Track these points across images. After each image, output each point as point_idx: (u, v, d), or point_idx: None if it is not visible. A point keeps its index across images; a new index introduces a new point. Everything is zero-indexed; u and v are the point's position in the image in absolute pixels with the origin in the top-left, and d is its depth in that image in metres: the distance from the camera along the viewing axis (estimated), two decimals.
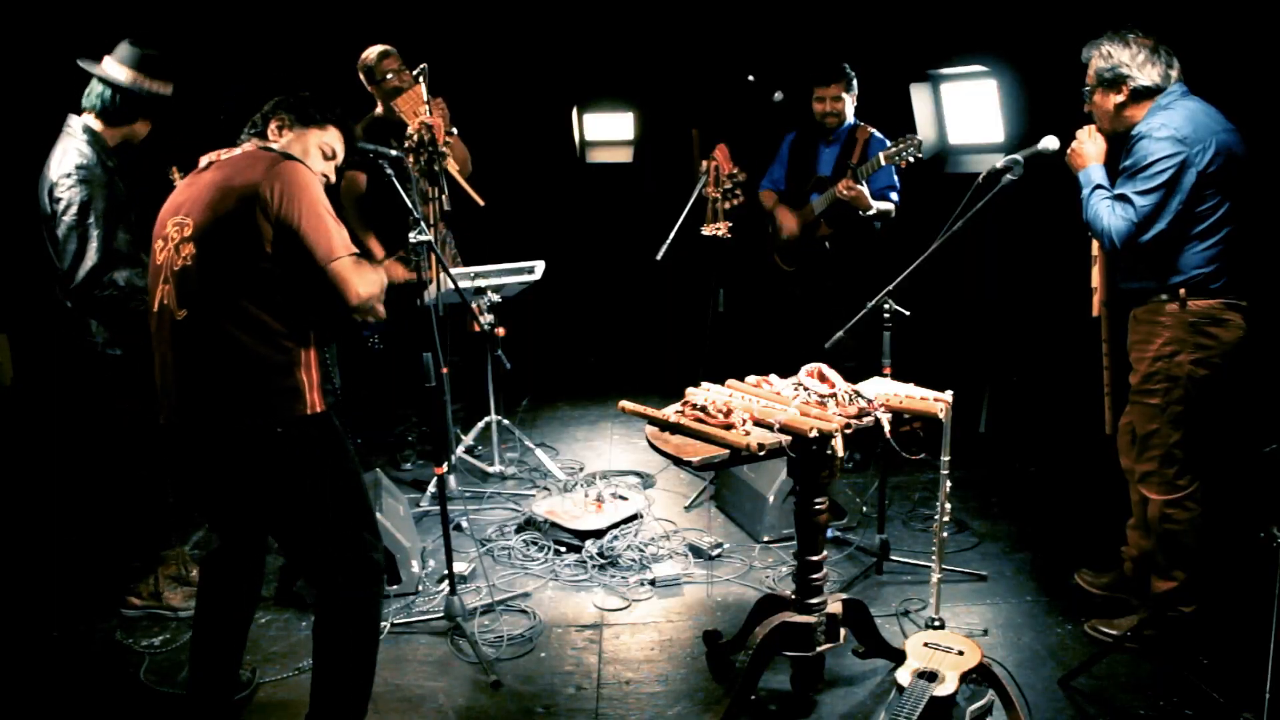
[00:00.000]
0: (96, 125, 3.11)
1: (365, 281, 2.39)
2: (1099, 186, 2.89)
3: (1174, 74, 2.83)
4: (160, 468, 3.26)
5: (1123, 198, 2.79)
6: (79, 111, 3.12)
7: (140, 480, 3.27)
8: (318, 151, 2.55)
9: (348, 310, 2.39)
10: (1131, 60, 2.81)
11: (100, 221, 3.01)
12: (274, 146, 2.48)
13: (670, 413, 2.62)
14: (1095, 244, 3.11)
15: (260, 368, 2.32)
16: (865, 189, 4.24)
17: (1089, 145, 2.96)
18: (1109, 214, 2.81)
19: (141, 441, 3.16)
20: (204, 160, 2.48)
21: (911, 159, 4.07)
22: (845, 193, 4.23)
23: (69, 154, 3.03)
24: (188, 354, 2.35)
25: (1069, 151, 3.01)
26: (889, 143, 4.32)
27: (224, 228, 2.30)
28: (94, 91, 3.11)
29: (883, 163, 4.12)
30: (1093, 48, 2.90)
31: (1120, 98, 2.86)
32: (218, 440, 2.37)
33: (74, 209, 2.98)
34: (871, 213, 4.32)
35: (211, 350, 2.32)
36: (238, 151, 2.46)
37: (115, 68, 3.12)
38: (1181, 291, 2.81)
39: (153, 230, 2.46)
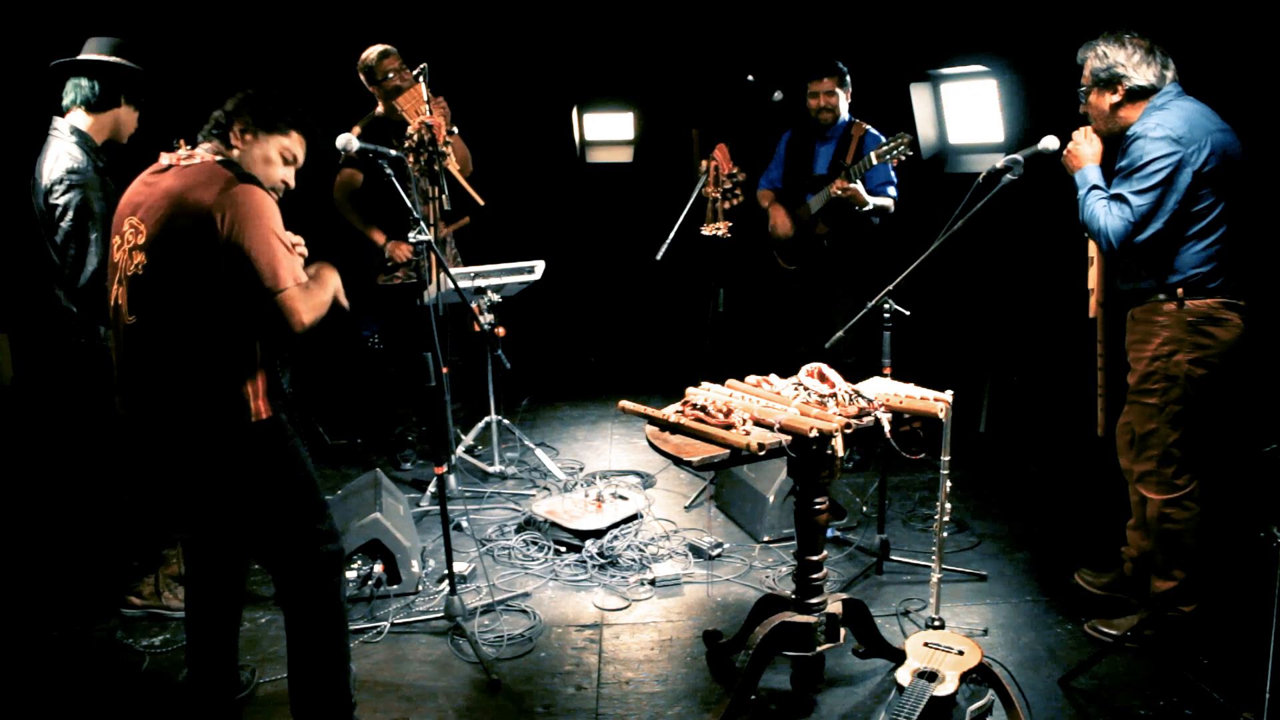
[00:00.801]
0: (83, 122, 3.09)
1: (311, 308, 2.41)
2: (1095, 187, 2.89)
3: (1169, 75, 2.84)
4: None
5: (1119, 198, 2.79)
6: (62, 113, 3.11)
7: (141, 481, 3.26)
8: (278, 157, 2.51)
9: (292, 336, 2.41)
10: (1127, 60, 2.82)
11: (99, 224, 3.00)
12: (233, 157, 2.44)
13: (670, 413, 2.62)
14: (1092, 245, 3.11)
15: (204, 380, 2.34)
16: (860, 186, 4.24)
17: (1085, 146, 2.97)
18: (1105, 214, 2.81)
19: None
20: (165, 159, 2.44)
21: (902, 156, 4.07)
22: (839, 192, 4.25)
23: (61, 158, 3.01)
24: (135, 358, 2.38)
25: (1065, 152, 3.01)
26: (883, 139, 4.32)
27: (174, 245, 2.30)
28: (77, 85, 3.09)
29: (874, 161, 4.13)
30: (1089, 48, 2.90)
31: (1115, 97, 2.86)
32: (164, 440, 2.40)
33: (71, 214, 2.98)
34: (868, 209, 4.33)
35: (157, 358, 2.35)
36: (197, 159, 2.41)
37: (125, 63, 3.12)
38: (1179, 291, 2.81)
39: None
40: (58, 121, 3.09)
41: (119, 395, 2.46)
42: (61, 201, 2.98)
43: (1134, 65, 2.82)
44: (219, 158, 2.43)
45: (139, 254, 2.34)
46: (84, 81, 3.09)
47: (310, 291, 2.42)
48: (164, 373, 2.35)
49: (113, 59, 3.12)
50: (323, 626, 2.55)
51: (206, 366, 2.34)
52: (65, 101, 3.11)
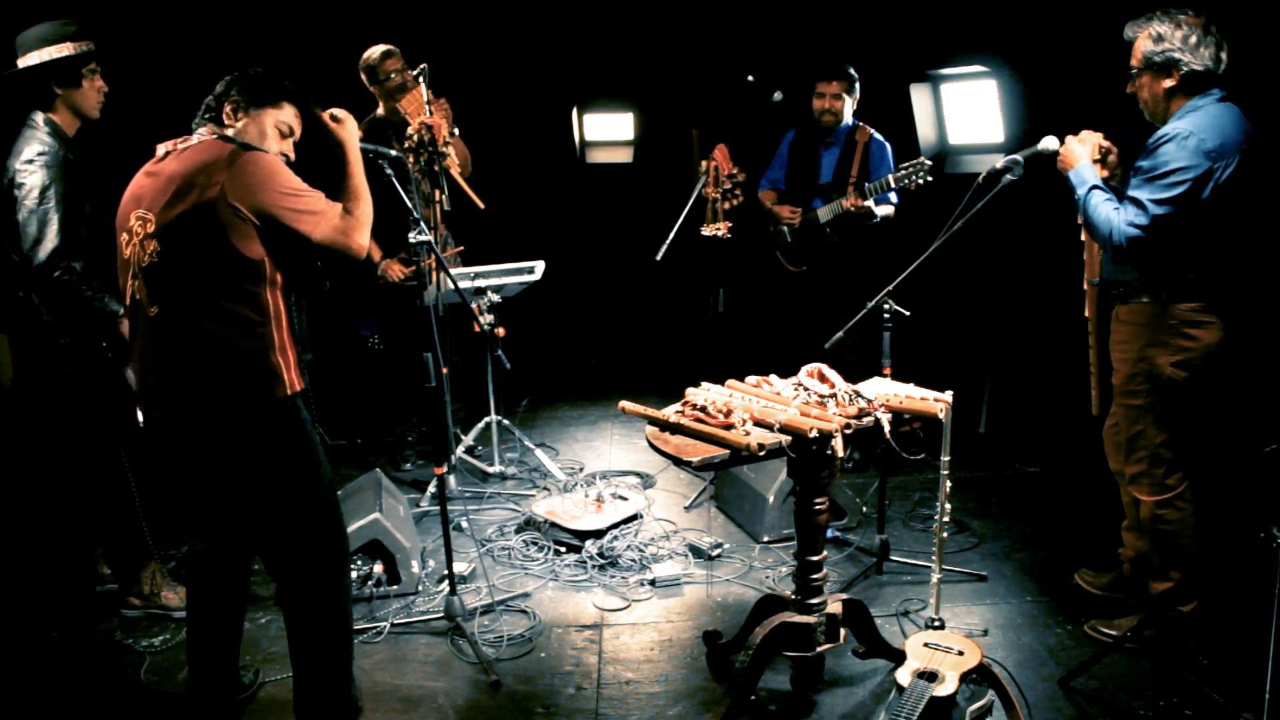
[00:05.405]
0: (57, 116, 3.08)
1: (360, 229, 2.42)
2: (1095, 187, 2.81)
3: (1224, 57, 2.66)
4: (149, 467, 3.27)
5: (1136, 201, 2.68)
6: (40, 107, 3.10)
7: (158, 485, 3.26)
8: (275, 131, 2.52)
9: (358, 265, 2.45)
10: (1184, 43, 2.63)
11: (60, 205, 2.97)
12: (230, 134, 2.45)
13: (670, 413, 2.62)
14: (1084, 232, 3.07)
15: (237, 358, 2.33)
16: (871, 202, 4.31)
17: (1076, 146, 2.90)
18: (1116, 217, 2.71)
19: (121, 439, 3.18)
20: (161, 149, 2.44)
21: (921, 182, 4.06)
22: (852, 208, 4.32)
23: (30, 144, 3.01)
24: (163, 349, 2.37)
25: (1058, 156, 2.94)
26: (889, 147, 4.34)
27: (186, 224, 2.29)
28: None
29: (892, 184, 4.13)
30: (1138, 27, 2.71)
31: (1171, 83, 2.68)
32: (199, 432, 2.38)
33: (35, 192, 2.95)
34: (875, 221, 4.39)
35: (186, 345, 2.33)
36: (194, 140, 2.42)
37: (49, 51, 3.05)
38: (1163, 294, 2.77)
39: (115, 220, 2.45)
40: (35, 115, 3.08)
41: (143, 400, 2.44)
42: (26, 180, 2.96)
43: (1191, 48, 2.63)
44: (216, 135, 2.43)
45: (151, 242, 2.33)
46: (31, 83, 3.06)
47: (349, 218, 2.42)
48: (193, 358, 2.32)
49: (81, 51, 3.06)
50: (327, 626, 2.55)
51: (236, 344, 2.33)
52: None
